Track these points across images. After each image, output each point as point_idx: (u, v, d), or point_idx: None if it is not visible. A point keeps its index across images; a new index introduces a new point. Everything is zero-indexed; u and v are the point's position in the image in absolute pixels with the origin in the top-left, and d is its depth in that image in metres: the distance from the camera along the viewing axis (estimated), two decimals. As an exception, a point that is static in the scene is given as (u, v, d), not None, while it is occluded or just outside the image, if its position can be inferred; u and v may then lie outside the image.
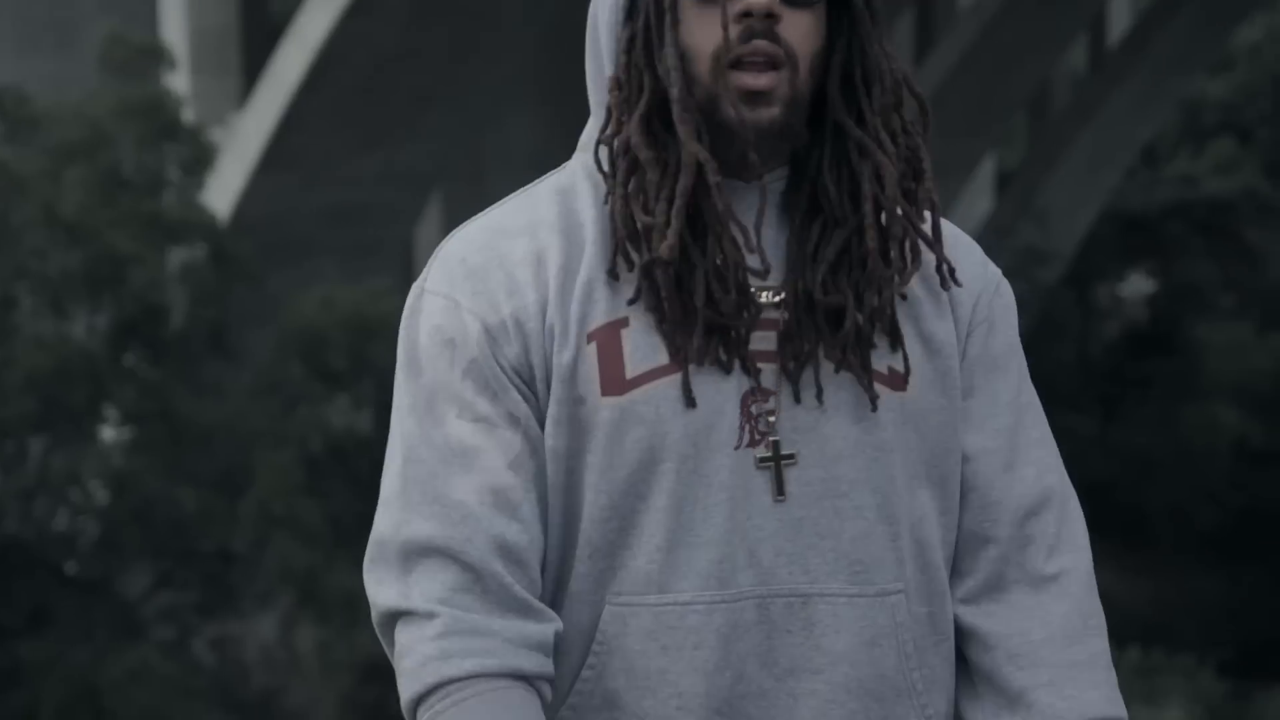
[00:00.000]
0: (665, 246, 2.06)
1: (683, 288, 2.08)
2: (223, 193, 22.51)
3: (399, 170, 22.45)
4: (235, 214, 22.57)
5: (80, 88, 22.58)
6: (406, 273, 23.42)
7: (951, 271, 2.14)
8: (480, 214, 2.19)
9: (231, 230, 21.98)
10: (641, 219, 2.08)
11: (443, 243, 2.19)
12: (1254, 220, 32.99)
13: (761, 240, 2.10)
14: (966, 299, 2.19)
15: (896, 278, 2.11)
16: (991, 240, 30.04)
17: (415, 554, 2.08)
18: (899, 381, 2.14)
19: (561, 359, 2.09)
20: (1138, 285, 33.62)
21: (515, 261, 2.12)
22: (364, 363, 20.41)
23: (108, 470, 20.23)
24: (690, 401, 2.07)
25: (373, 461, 19.55)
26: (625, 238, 2.09)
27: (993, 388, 2.20)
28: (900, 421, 2.14)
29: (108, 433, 20.92)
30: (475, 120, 23.18)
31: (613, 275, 2.10)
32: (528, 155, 23.84)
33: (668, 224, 2.07)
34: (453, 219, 24.35)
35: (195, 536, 20.08)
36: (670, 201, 2.07)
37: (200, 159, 21.72)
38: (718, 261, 2.08)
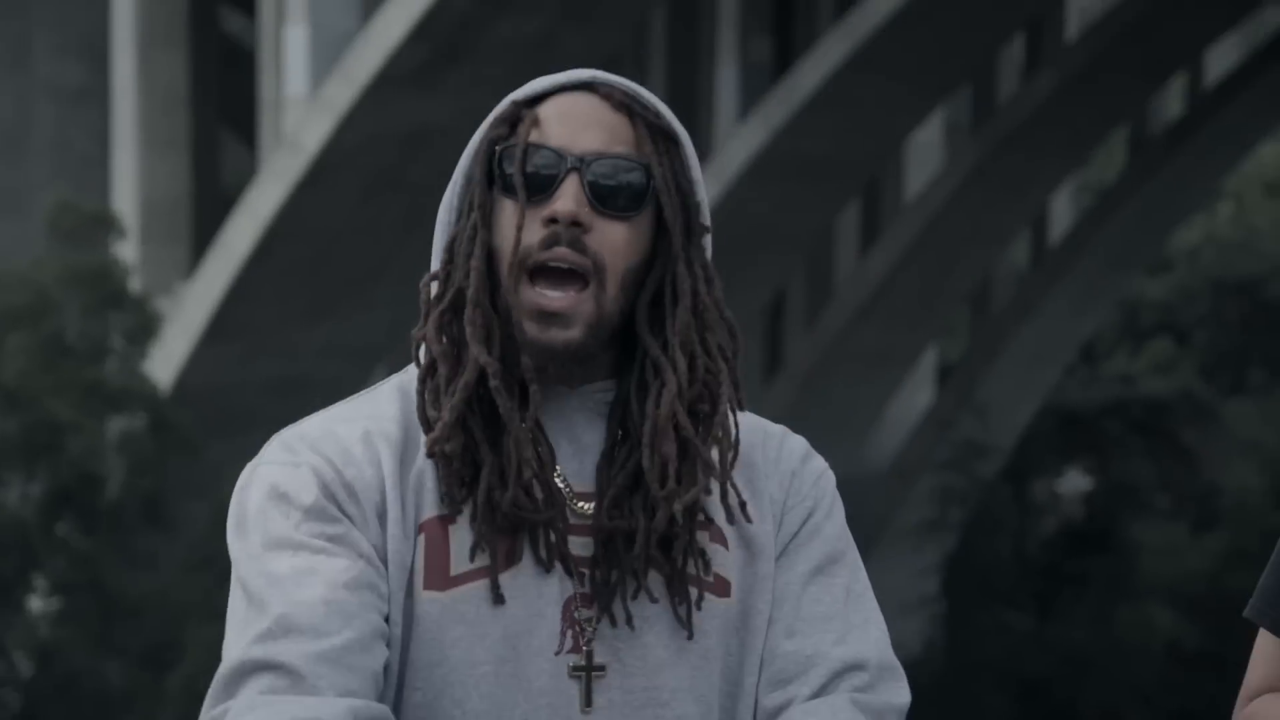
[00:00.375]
0: (431, 439, 2.04)
1: (474, 486, 2.06)
2: (166, 362, 22.25)
3: (345, 342, 22.23)
4: (178, 384, 22.30)
5: (28, 254, 22.34)
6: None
7: (742, 506, 2.10)
8: (327, 409, 2.15)
9: (173, 400, 21.71)
10: (430, 414, 2.07)
11: (288, 428, 2.14)
12: (1190, 421, 33.02)
13: (577, 449, 2.08)
14: (780, 495, 2.16)
15: (676, 501, 2.06)
16: (932, 433, 29.93)
17: (239, 675, 2.01)
18: (722, 588, 2.11)
19: (397, 544, 2.05)
20: (1075, 482, 33.53)
21: (353, 440, 2.08)
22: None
23: (33, 641, 19.72)
24: (500, 600, 2.04)
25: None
26: (425, 433, 2.07)
27: (816, 583, 2.16)
28: (723, 628, 2.11)
29: (35, 602, 20.41)
30: (416, 302, 22.99)
31: (429, 455, 2.07)
32: (474, 334, 23.62)
33: (448, 419, 2.05)
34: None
35: (120, 713, 19.52)
36: (453, 397, 2.05)
37: (145, 328, 21.48)
38: (503, 461, 2.05)
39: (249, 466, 2.12)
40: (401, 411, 2.10)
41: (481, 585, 2.04)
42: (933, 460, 29.68)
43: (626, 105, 2.09)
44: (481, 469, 2.05)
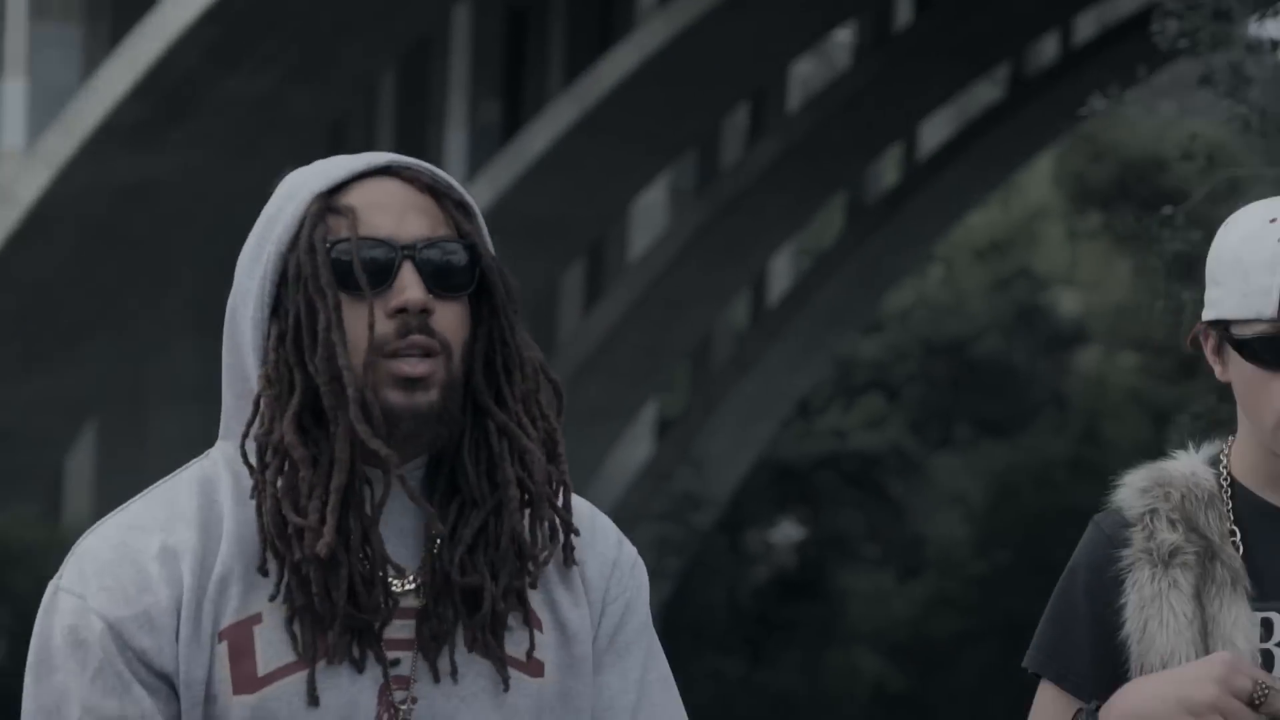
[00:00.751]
0: (323, 545, 2.02)
1: (328, 586, 2.03)
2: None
3: (55, 396, 21.52)
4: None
5: None
6: (55, 500, 22.39)
7: (572, 551, 2.14)
8: (120, 508, 2.12)
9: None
10: (293, 519, 2.03)
11: (80, 539, 2.11)
12: (898, 474, 33.48)
13: (392, 531, 2.07)
14: (600, 582, 2.18)
15: (536, 559, 2.09)
16: (649, 486, 29.91)
17: None
18: (536, 669, 2.11)
19: (191, 660, 2.04)
20: (788, 532, 33.80)
21: (149, 558, 2.06)
22: (3, 590, 19.30)
23: None
24: (314, 700, 2.02)
25: (6, 691, 18.34)
26: (275, 537, 2.04)
27: (623, 666, 2.18)
28: (537, 708, 2.11)
29: None
30: (137, 350, 22.42)
31: (262, 572, 2.04)
32: (189, 387, 23.14)
33: (322, 522, 2.03)
34: (107, 448, 23.48)
35: None
36: (324, 500, 2.03)
37: None
38: (363, 560, 2.04)
39: (51, 585, 2.09)
40: (199, 509, 2.08)
41: (293, 681, 2.03)
42: (651, 511, 29.69)
43: (431, 187, 2.09)
44: (340, 570, 2.03)
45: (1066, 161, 33.56)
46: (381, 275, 2.05)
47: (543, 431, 2.11)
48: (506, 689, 2.08)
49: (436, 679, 2.06)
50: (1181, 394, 34.19)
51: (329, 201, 2.08)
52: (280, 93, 20.75)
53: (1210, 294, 2.46)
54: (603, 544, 2.18)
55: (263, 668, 2.03)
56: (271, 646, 2.04)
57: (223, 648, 2.03)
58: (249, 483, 2.07)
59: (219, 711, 2.03)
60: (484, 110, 24.08)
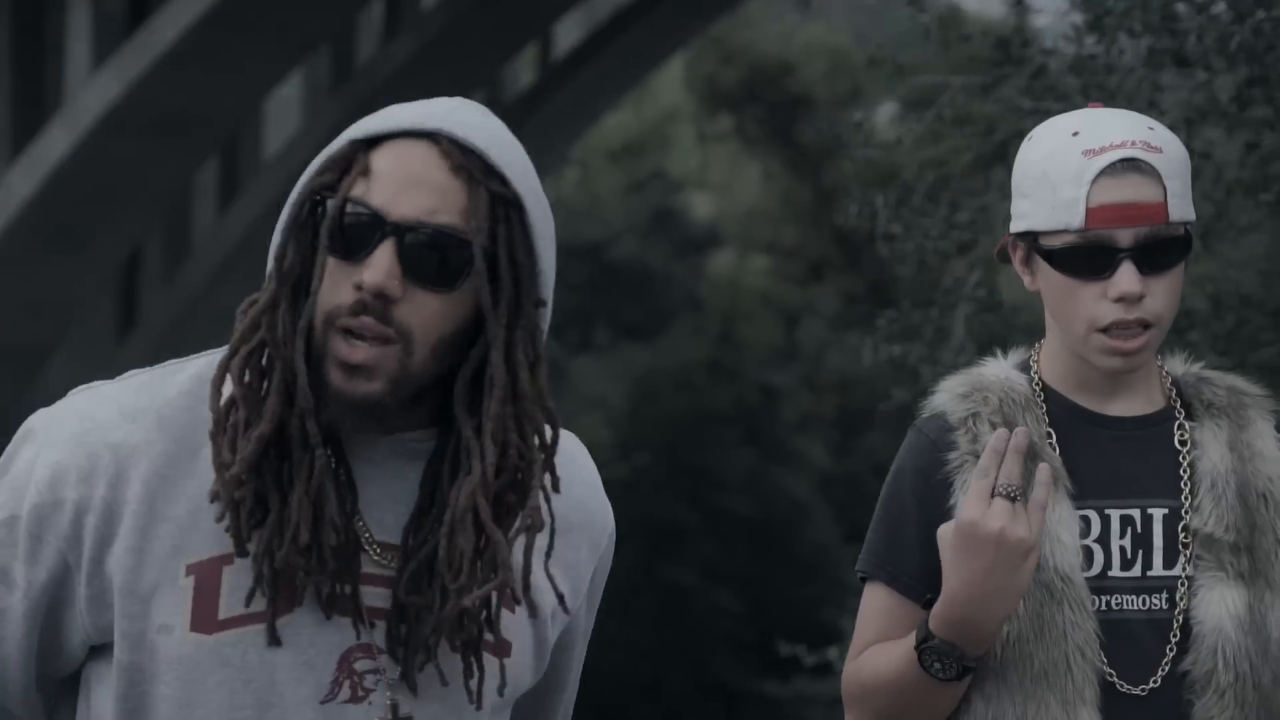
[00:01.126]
0: (219, 486, 1.94)
1: (261, 527, 1.95)
2: None
3: None
4: None
5: None
6: None
7: (533, 610, 2.02)
8: (120, 379, 2.03)
9: None
10: (224, 456, 1.96)
11: (75, 391, 2.04)
12: (540, 377, 33.51)
13: (385, 496, 1.98)
14: (597, 570, 2.12)
15: (465, 596, 1.96)
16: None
17: None
18: (505, 649, 2.04)
19: (141, 576, 1.95)
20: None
21: (110, 445, 1.97)
22: None
23: None
24: (276, 643, 1.95)
25: None
26: (217, 473, 1.96)
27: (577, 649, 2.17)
28: (503, 685, 2.03)
29: None
30: None
31: (215, 509, 1.96)
32: None
33: (236, 472, 1.94)
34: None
35: None
36: (248, 445, 1.95)
37: None
38: (294, 506, 1.94)
39: (32, 418, 2.02)
40: (184, 411, 1.99)
41: (251, 631, 1.95)
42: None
43: (465, 169, 1.95)
44: (269, 513, 1.94)
45: (697, 64, 33.77)
46: (357, 246, 1.94)
47: (515, 457, 1.97)
48: (476, 697, 2.00)
49: (408, 659, 1.98)
50: (809, 297, 34.82)
51: (355, 153, 1.99)
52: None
53: (1017, 206, 2.49)
54: (601, 534, 2.11)
55: (224, 610, 1.96)
56: (236, 591, 1.96)
57: (188, 582, 1.95)
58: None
59: (167, 643, 1.95)
60: (107, -3, 23.22)
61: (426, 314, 1.94)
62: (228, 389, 1.98)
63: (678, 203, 35.38)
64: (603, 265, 34.21)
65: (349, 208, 1.95)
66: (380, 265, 1.93)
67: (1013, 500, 2.38)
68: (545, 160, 31.40)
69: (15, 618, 1.97)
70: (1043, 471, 2.41)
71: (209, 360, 2.04)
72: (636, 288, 34.27)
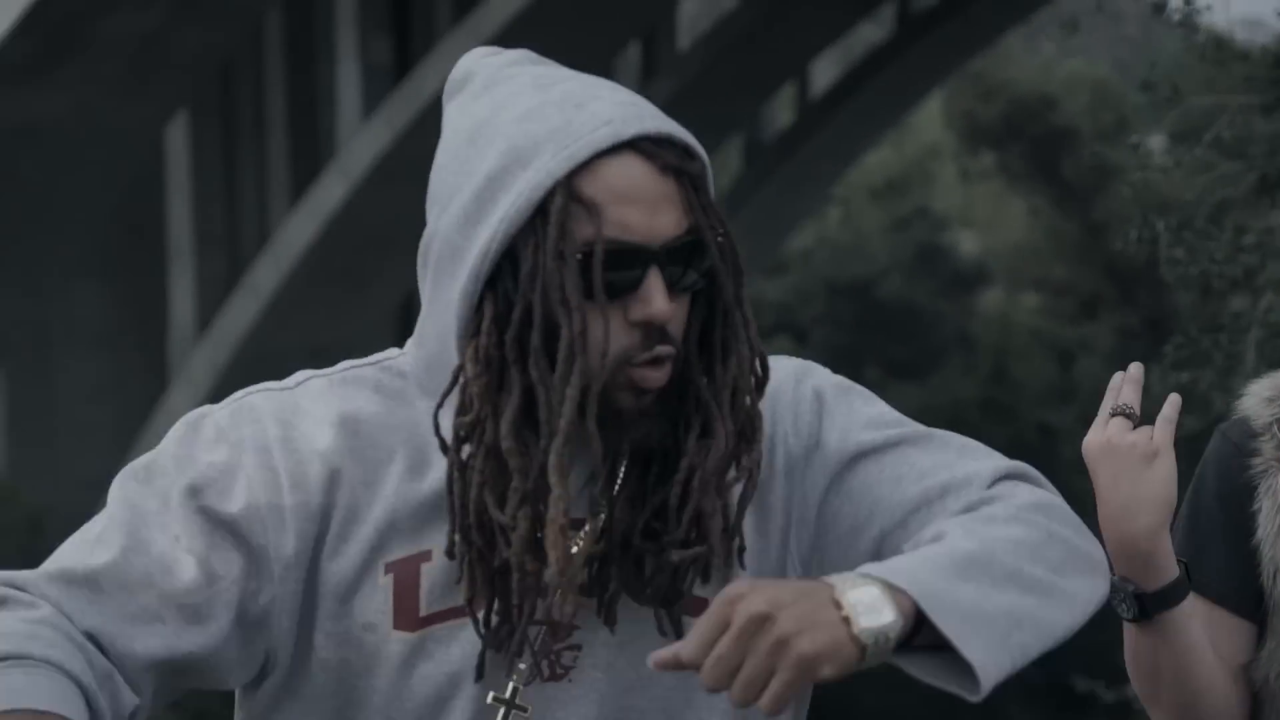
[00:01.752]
0: (514, 552, 1.87)
1: (482, 528, 1.90)
2: None
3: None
4: None
5: None
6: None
7: (741, 550, 1.92)
8: (297, 382, 1.97)
9: None
10: (496, 515, 1.88)
11: (250, 393, 1.97)
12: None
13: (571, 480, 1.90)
14: (794, 446, 1.97)
15: (691, 555, 1.88)
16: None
17: (68, 579, 1.88)
18: (702, 606, 1.92)
19: (343, 577, 1.93)
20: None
21: (318, 452, 1.93)
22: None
23: None
24: (478, 633, 1.91)
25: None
26: (474, 526, 1.89)
27: (860, 469, 1.96)
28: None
29: None
30: (40, 294, 21.92)
31: (449, 555, 1.90)
32: (95, 331, 22.66)
33: (515, 528, 1.87)
34: (15, 392, 22.99)
35: None
36: (531, 508, 1.87)
37: None
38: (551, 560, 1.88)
39: (196, 413, 1.96)
40: (379, 420, 1.94)
41: (452, 626, 1.94)
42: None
43: (674, 168, 1.85)
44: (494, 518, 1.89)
45: (955, 101, 33.31)
46: (629, 285, 1.86)
47: (743, 411, 1.91)
48: (667, 635, 1.93)
49: (600, 627, 1.94)
50: (1082, 334, 33.98)
51: (572, 188, 1.84)
52: (166, 30, 20.27)
53: None
54: (788, 412, 1.98)
55: (425, 607, 1.94)
56: (437, 588, 1.94)
57: (388, 580, 1.94)
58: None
59: (374, 640, 1.94)
60: (375, 47, 23.63)
61: (682, 313, 1.91)
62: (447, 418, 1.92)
63: (943, 240, 34.87)
64: (870, 303, 33.84)
65: (611, 250, 1.85)
66: (657, 294, 1.86)
67: (1127, 417, 2.31)
68: (807, 198, 31.18)
69: (222, 612, 1.94)
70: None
71: (374, 373, 1.98)
72: (905, 326, 33.80)
